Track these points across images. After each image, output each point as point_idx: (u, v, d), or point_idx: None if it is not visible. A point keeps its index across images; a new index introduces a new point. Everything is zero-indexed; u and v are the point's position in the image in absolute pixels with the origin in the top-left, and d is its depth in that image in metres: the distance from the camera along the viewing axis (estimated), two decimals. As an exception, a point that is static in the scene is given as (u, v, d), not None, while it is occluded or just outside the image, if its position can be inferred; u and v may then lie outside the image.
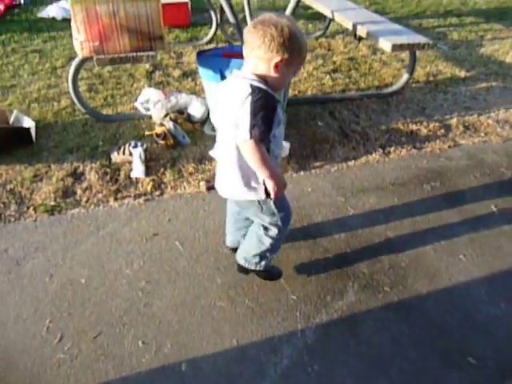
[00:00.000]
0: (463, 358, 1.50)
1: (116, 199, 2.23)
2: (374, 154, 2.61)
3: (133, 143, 2.46)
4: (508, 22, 4.89)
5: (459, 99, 3.24)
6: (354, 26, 2.96)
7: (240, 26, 2.77)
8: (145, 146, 2.48)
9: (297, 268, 1.84)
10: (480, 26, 4.79)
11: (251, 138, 1.27)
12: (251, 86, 1.30)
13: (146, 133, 2.65)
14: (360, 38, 3.12)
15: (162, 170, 2.42)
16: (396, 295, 1.72)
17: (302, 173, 2.45)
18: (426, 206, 2.19)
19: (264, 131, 1.28)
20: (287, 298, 1.70)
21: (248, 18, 3.09)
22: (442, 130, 2.85)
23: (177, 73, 3.58)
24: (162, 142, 2.55)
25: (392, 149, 2.67)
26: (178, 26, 4.58)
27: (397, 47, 2.64)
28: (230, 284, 1.76)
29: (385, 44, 2.66)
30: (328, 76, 3.50)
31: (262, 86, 1.31)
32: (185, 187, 2.32)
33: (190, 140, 2.66)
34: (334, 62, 3.79)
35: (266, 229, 1.59)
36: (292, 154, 2.55)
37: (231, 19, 2.74)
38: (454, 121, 2.94)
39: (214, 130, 2.75)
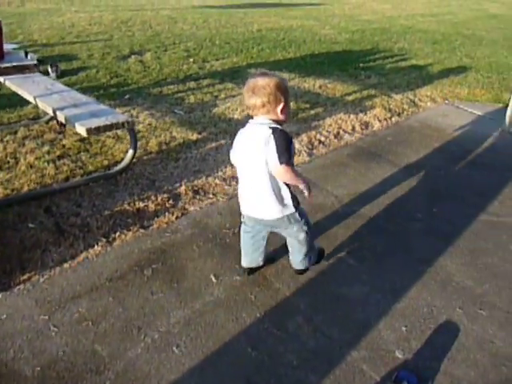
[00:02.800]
0: None
1: None
2: (95, 247, 2.39)
3: None
4: (239, 81, 5.46)
5: (190, 164, 3.33)
6: (54, 111, 2.77)
7: None
8: None
9: None
10: (215, 86, 5.22)
11: (281, 163, 1.68)
12: (270, 127, 1.74)
13: None
14: (63, 124, 2.94)
15: None
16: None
17: (0, 295, 2.05)
18: (146, 297, 2.04)
19: (288, 157, 1.70)
20: None
21: None
22: (171, 201, 2.83)
23: None
24: None
25: (117, 235, 2.49)
26: None
27: (92, 131, 2.53)
28: None
29: (80, 129, 2.54)
30: (52, 164, 3.21)
31: (277, 126, 1.75)
32: None
33: None
34: (63, 146, 3.53)
35: (296, 237, 1.99)
36: (-11, 274, 2.14)
37: None
38: (183, 188, 2.97)
39: None
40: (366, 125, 4.23)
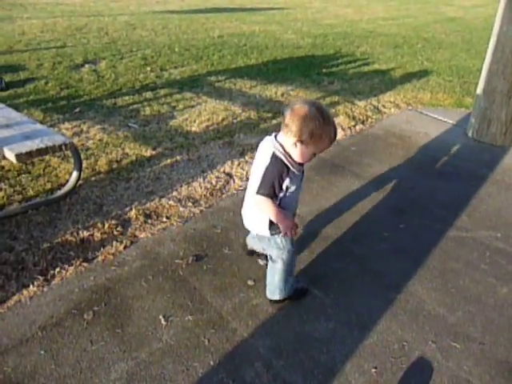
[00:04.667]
0: None
1: None
2: (30, 287, 2.11)
3: None
4: (199, 89, 5.23)
5: (142, 184, 3.07)
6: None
7: None
8: None
9: None
10: (173, 96, 4.96)
11: (257, 193, 1.71)
12: (274, 154, 1.70)
13: None
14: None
15: None
16: None
17: None
18: (84, 348, 1.78)
19: (266, 191, 1.69)
20: None
21: None
22: (120, 228, 2.57)
23: None
24: None
25: (57, 271, 2.22)
26: None
27: (23, 156, 2.25)
28: None
29: (8, 154, 2.25)
30: (-16, 191, 2.89)
31: (281, 156, 1.69)
32: None
33: None
34: (2, 168, 3.20)
35: (273, 261, 1.94)
36: None
37: None
38: (133, 212, 2.71)
39: None
40: (330, 134, 4.07)
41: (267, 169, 1.69)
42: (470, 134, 4.08)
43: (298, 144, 1.65)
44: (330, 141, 1.68)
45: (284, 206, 1.79)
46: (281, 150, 1.70)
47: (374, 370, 1.70)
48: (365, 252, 2.40)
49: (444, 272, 2.25)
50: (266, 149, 1.76)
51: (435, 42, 8.80)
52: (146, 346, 1.79)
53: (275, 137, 1.76)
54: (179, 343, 1.81)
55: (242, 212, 2.00)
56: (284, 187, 1.72)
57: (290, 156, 1.70)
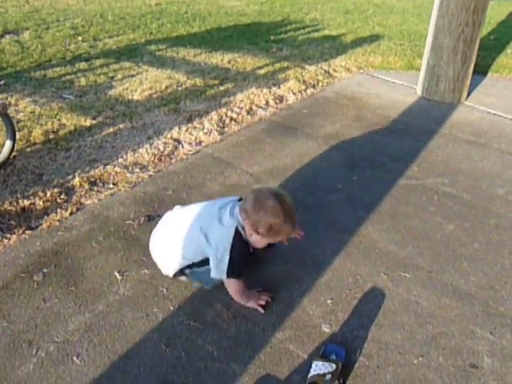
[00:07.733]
0: None
1: None
2: (-30, 257, 2.18)
3: None
4: (138, 59, 5.28)
5: (84, 153, 3.15)
6: None
7: None
8: None
9: None
10: (110, 66, 4.99)
11: (228, 278, 1.84)
12: (237, 231, 1.78)
13: None
14: None
15: None
16: None
17: None
18: (37, 306, 1.89)
19: (236, 274, 1.84)
20: None
21: None
22: (63, 196, 2.66)
23: None
24: None
25: (-1, 240, 2.30)
26: None
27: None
28: None
29: None
30: None
31: (244, 235, 1.80)
32: None
33: None
34: None
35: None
36: None
37: None
38: (76, 180, 2.80)
39: None
40: (280, 98, 4.30)
41: (234, 251, 1.74)
42: (419, 93, 4.44)
43: (254, 234, 1.75)
44: (288, 235, 1.83)
45: None
46: (242, 225, 1.78)
47: (329, 301, 1.94)
48: (319, 202, 2.64)
49: (395, 215, 2.54)
50: (224, 211, 1.83)
51: (386, 8, 9.24)
52: (102, 300, 1.93)
53: (233, 208, 1.82)
54: (137, 294, 1.96)
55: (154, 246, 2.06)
56: None
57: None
